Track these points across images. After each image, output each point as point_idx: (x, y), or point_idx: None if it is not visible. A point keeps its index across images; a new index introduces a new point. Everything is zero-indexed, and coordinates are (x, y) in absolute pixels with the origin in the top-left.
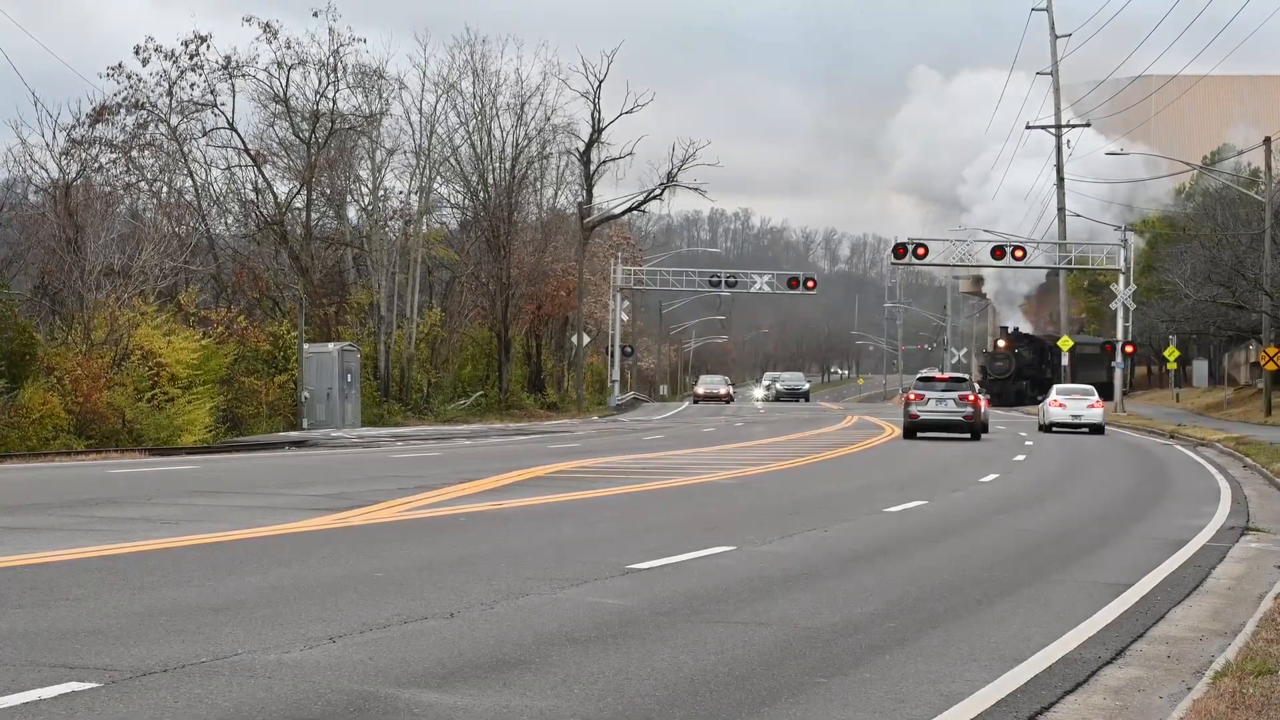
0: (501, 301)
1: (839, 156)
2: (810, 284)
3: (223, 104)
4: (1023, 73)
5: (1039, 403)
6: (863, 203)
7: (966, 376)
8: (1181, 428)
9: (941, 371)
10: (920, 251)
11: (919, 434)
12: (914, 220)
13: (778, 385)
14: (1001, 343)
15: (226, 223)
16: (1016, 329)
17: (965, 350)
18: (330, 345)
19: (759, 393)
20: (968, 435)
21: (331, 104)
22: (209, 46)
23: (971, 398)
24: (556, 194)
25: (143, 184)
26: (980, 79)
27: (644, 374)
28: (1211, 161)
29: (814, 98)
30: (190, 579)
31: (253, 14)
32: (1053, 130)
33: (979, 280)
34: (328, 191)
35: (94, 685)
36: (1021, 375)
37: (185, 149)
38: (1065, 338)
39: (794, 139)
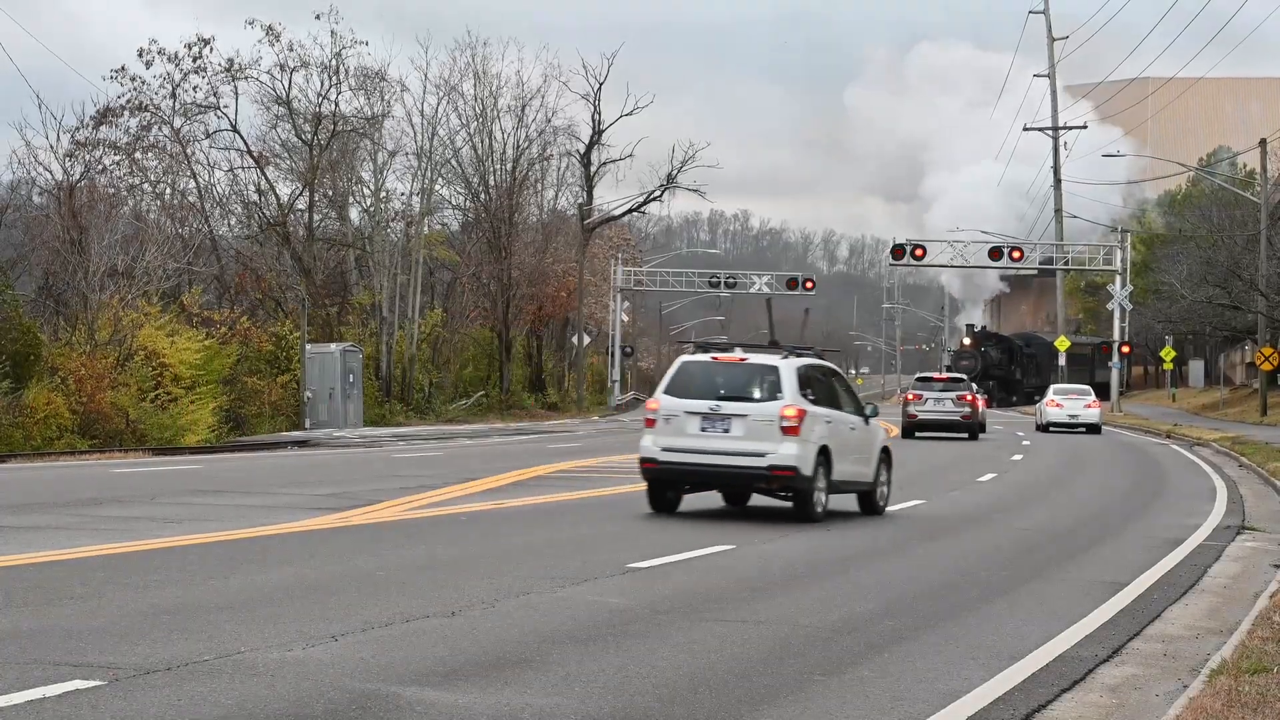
0: (503, 302)
1: (835, 158)
2: (809, 285)
3: (226, 106)
4: (1019, 63)
5: (1010, 404)
6: (860, 204)
7: (964, 377)
8: (1178, 427)
9: (940, 372)
10: (918, 252)
11: (917, 433)
12: (911, 221)
13: None
14: (967, 341)
15: (229, 224)
16: (984, 327)
17: None
18: (332, 346)
19: None
20: (965, 435)
21: (334, 106)
22: (212, 49)
23: (969, 398)
24: (557, 195)
25: (146, 185)
26: (968, 76)
27: (644, 374)
28: (1208, 163)
29: (812, 100)
30: (193, 578)
31: (255, 17)
32: (1050, 132)
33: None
34: (330, 193)
35: (98, 683)
36: (988, 375)
37: (188, 151)
38: (1062, 338)
39: (793, 141)
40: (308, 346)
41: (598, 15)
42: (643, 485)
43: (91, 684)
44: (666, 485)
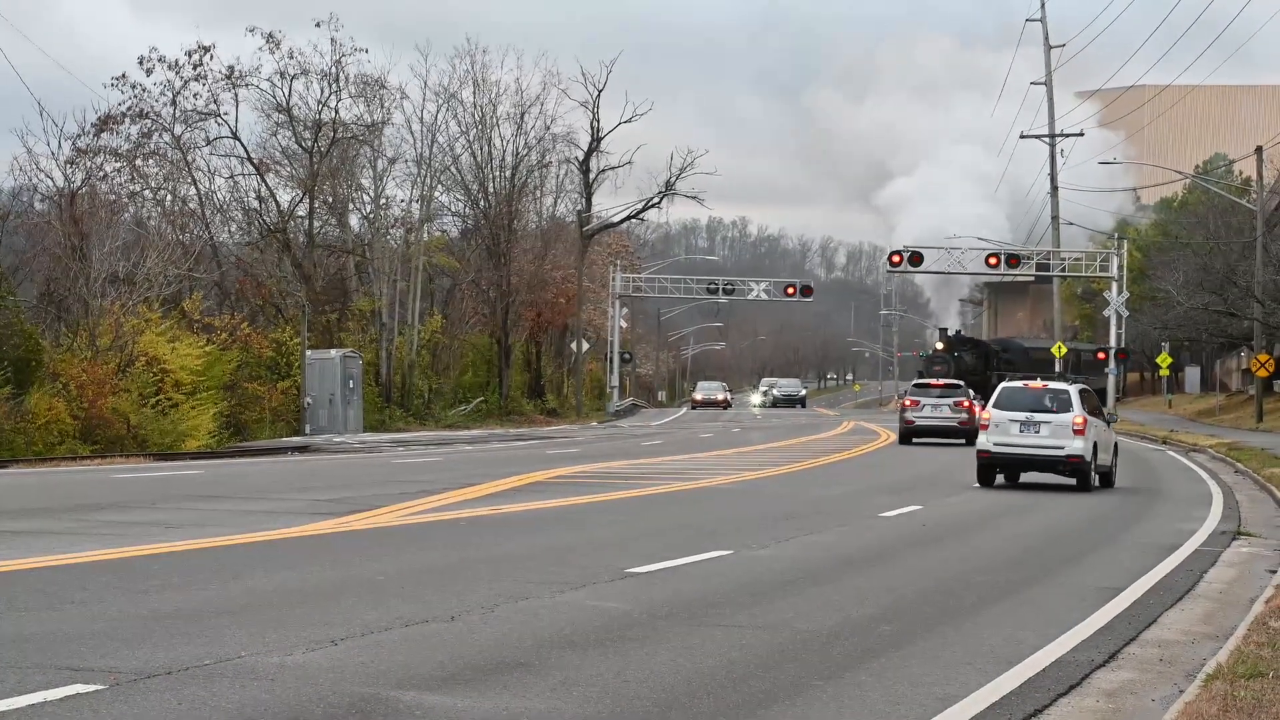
0: (502, 308)
1: (831, 166)
2: (807, 291)
3: (226, 113)
4: (1004, 65)
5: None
6: (856, 211)
7: (961, 383)
8: (1174, 433)
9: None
10: (915, 259)
11: (914, 439)
12: (903, 227)
13: (775, 391)
14: (940, 345)
15: (230, 230)
16: (959, 331)
17: None
18: (333, 351)
19: (756, 399)
20: (962, 440)
21: (334, 113)
22: (212, 56)
23: (966, 404)
24: (556, 202)
25: (147, 192)
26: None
27: (642, 380)
28: (1204, 170)
29: (806, 108)
30: (194, 582)
31: (256, 24)
32: (1047, 139)
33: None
34: (330, 200)
35: (98, 687)
36: (961, 380)
37: (189, 158)
38: (1059, 344)
39: (789, 148)
40: (308, 352)
41: (596, 23)
42: (642, 490)
43: (92, 688)
44: (994, 467)
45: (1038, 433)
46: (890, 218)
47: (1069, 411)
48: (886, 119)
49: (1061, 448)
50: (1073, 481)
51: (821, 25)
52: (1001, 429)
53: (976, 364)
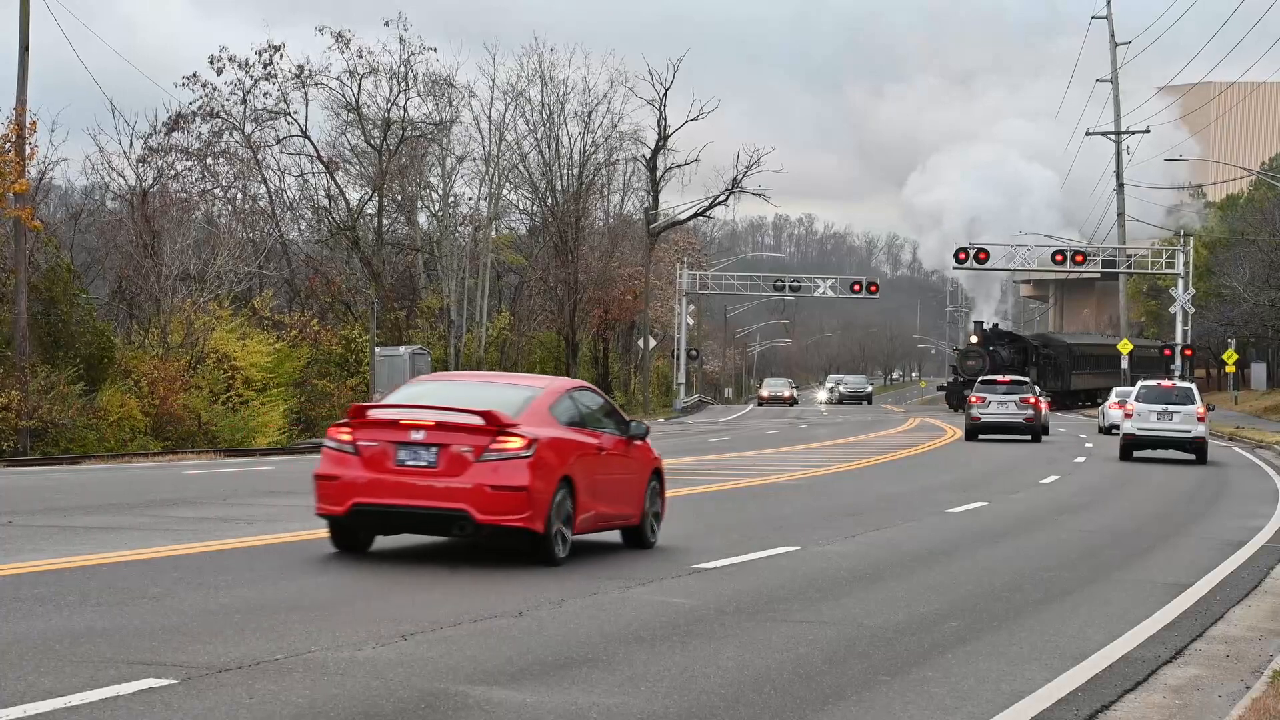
0: (569, 305)
1: (888, 162)
2: (873, 288)
3: (296, 112)
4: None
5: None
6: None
7: (1027, 379)
8: (1240, 430)
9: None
10: (981, 256)
11: (980, 436)
12: (977, 226)
13: (841, 388)
14: (974, 339)
15: (300, 228)
16: (995, 325)
17: None
18: (401, 348)
19: (822, 395)
20: (1028, 437)
21: (402, 112)
22: (282, 56)
23: (1032, 400)
24: (623, 200)
25: (218, 190)
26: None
27: (709, 377)
28: (1270, 167)
29: (873, 103)
30: (264, 578)
31: (323, 22)
32: (1112, 137)
33: (1041, 284)
34: (399, 198)
35: (171, 682)
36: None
37: (259, 156)
38: (1124, 340)
39: (855, 145)
40: (377, 349)
41: (660, 20)
42: (709, 486)
43: (164, 682)
44: (1135, 447)
45: (1171, 420)
46: (924, 210)
47: (1193, 404)
48: (933, 114)
49: (1189, 431)
50: (1192, 456)
51: (870, 22)
52: (1142, 417)
53: (1014, 358)
